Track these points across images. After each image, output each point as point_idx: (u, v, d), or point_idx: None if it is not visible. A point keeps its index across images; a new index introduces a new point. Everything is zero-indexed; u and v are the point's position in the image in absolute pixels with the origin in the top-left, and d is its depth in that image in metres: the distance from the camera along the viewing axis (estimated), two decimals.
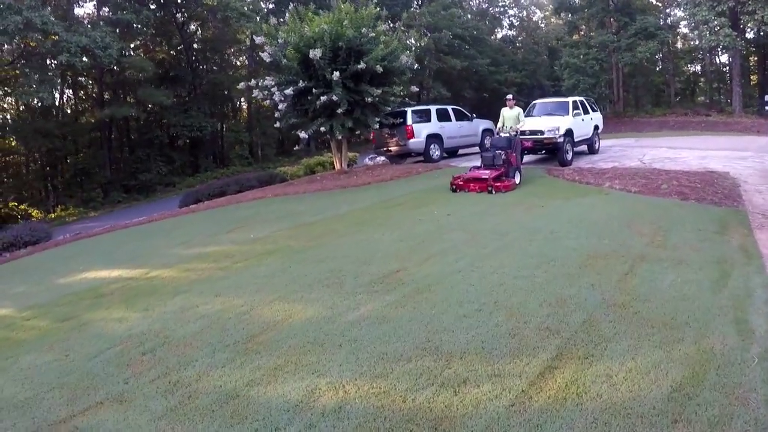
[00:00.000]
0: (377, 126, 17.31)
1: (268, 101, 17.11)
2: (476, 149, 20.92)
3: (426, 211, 10.39)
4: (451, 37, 40.12)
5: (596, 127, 17.94)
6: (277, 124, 17.76)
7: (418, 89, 20.15)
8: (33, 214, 31.35)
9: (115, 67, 31.73)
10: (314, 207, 12.42)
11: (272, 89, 16.09)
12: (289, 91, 15.40)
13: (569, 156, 15.11)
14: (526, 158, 16.01)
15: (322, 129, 16.17)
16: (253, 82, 16.87)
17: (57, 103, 35.64)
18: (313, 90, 15.35)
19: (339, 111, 15.47)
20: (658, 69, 45.19)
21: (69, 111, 37.62)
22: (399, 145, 18.74)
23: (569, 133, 15.06)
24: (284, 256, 8.09)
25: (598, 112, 18.92)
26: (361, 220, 10.23)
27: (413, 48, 29.93)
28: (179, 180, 33.72)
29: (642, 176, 12.15)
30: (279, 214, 11.97)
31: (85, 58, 26.76)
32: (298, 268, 7.27)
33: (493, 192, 11.52)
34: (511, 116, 13.79)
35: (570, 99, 16.83)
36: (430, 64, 39.48)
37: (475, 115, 21.29)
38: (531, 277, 6.13)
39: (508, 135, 13.20)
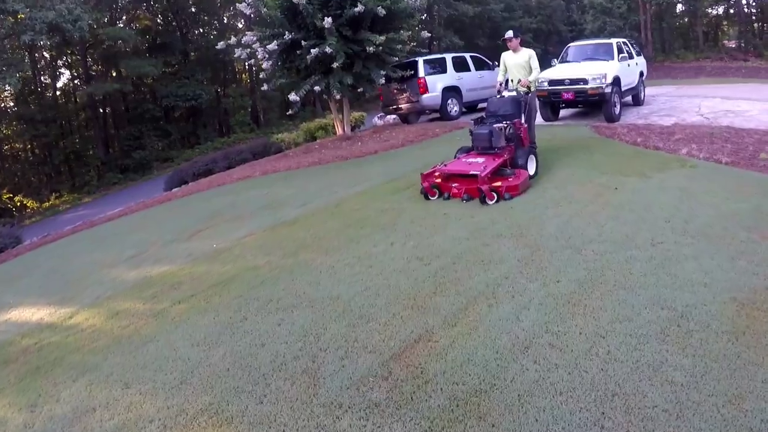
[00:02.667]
0: (383, 81, 14.46)
1: (251, 61, 14.39)
2: None
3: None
4: None
5: (641, 74, 14.94)
6: (264, 87, 15.05)
7: (430, 35, 17.32)
8: (28, 204, 30.18)
9: (90, 40, 29.78)
10: (303, 191, 9.87)
11: (254, 46, 13.40)
12: (272, 45, 12.77)
13: (617, 109, 12.39)
14: (562, 112, 13.29)
15: (317, 88, 13.53)
16: (233, 40, 14.09)
17: (38, 87, 34.02)
18: (303, 42, 12.69)
19: (335, 65, 12.80)
20: (679, 11, 41.22)
21: (51, 93, 35.44)
22: (411, 102, 16.17)
23: (617, 81, 12.25)
24: (242, 291, 5.57)
25: (642, 56, 15.83)
26: (360, 216, 7.52)
27: None
28: (177, 154, 31.69)
29: (721, 138, 9.34)
30: (257, 205, 9.49)
31: (48, 34, 24.37)
32: (253, 326, 4.75)
33: (490, 202, 6.98)
34: (517, 63, 8.93)
35: (613, 40, 14.03)
36: (440, 12, 36.72)
37: (496, 63, 18.48)
38: (661, 366, 3.39)
39: (514, 94, 8.48)
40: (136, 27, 34.85)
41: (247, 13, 14.14)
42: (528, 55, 8.80)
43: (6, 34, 24.89)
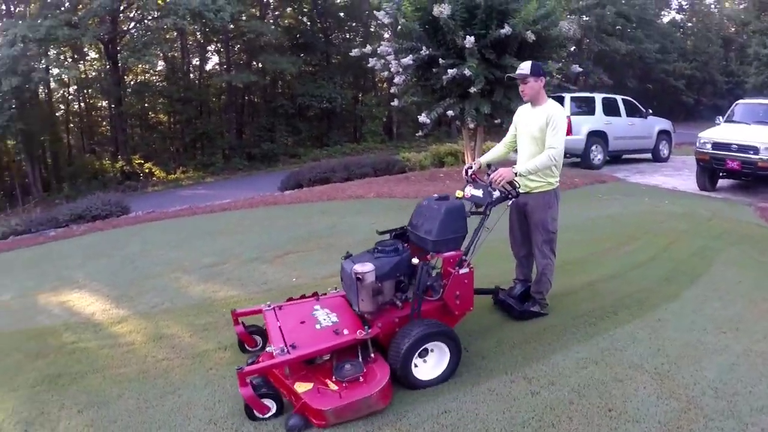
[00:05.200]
0: None
1: (385, 72, 13.73)
2: (647, 156, 16.72)
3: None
4: (615, 15, 34.51)
5: None
6: (395, 102, 14.32)
7: (581, 69, 16.10)
8: (155, 173, 31.29)
9: (233, 31, 31.12)
10: None
11: (388, 57, 12.74)
12: (407, 60, 11.99)
13: None
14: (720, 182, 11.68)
15: (450, 113, 12.55)
16: (368, 48, 13.49)
17: (186, 67, 35.84)
18: (440, 60, 11.81)
19: (473, 90, 11.73)
20: None
21: (196, 75, 37.21)
22: None
23: None
24: None
25: None
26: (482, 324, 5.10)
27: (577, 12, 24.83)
28: (305, 152, 31.88)
29: None
30: (358, 236, 8.50)
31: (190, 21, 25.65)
32: None
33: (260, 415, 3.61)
34: (530, 127, 4.91)
35: None
36: (591, 45, 34.72)
37: (650, 111, 16.89)
38: None
39: (478, 195, 4.64)
40: (280, 24, 35.72)
41: (386, 23, 13.44)
42: (547, 115, 4.72)
43: (152, 17, 26.57)
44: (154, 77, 36.36)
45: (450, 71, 11.53)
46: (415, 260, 4.10)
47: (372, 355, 3.83)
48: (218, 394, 4.01)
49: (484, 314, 4.98)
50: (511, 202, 4.68)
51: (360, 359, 3.79)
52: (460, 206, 4.33)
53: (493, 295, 5.31)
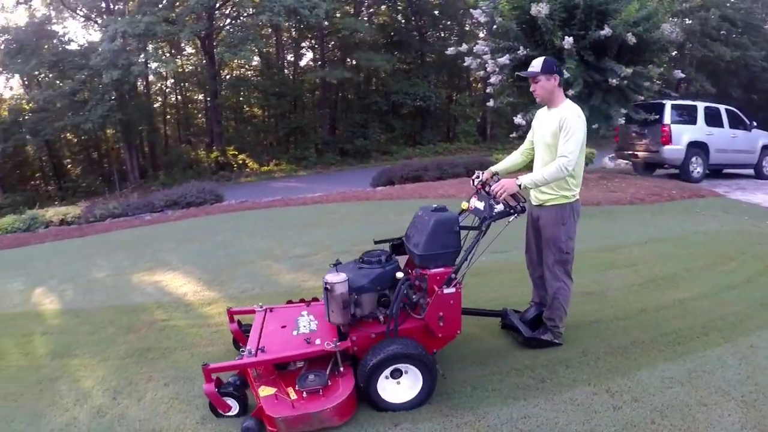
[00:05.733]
0: (622, 120, 12.80)
1: (481, 72, 13.60)
2: (749, 172, 15.79)
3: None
4: (720, 19, 32.36)
5: None
6: (490, 103, 14.15)
7: (683, 75, 15.32)
8: (249, 165, 32.09)
9: (328, 28, 31.80)
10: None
11: (484, 57, 12.61)
12: (504, 59, 11.87)
13: None
14: None
15: None
16: (464, 47, 13.38)
17: (280, 63, 36.83)
18: None
19: (571, 93, 11.33)
20: None
21: (290, 70, 38.19)
22: (649, 151, 14.40)
23: None
24: None
25: None
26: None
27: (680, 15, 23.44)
28: (398, 150, 32.04)
29: None
30: None
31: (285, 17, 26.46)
32: None
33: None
34: (544, 132, 4.34)
35: None
36: (693, 51, 32.80)
37: (755, 124, 15.86)
38: None
39: (479, 208, 4.20)
40: (374, 22, 36.11)
41: (482, 21, 13.30)
42: (560, 118, 4.11)
43: (247, 14, 27.45)
44: (249, 72, 37.67)
45: None
46: (399, 274, 3.82)
47: (341, 369, 3.67)
48: None
49: (570, 321, 4.81)
50: (513, 218, 4.00)
51: (327, 371, 3.62)
52: (452, 219, 3.91)
53: (501, 318, 4.75)
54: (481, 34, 36.47)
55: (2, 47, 27.34)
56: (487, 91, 14.32)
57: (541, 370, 4.10)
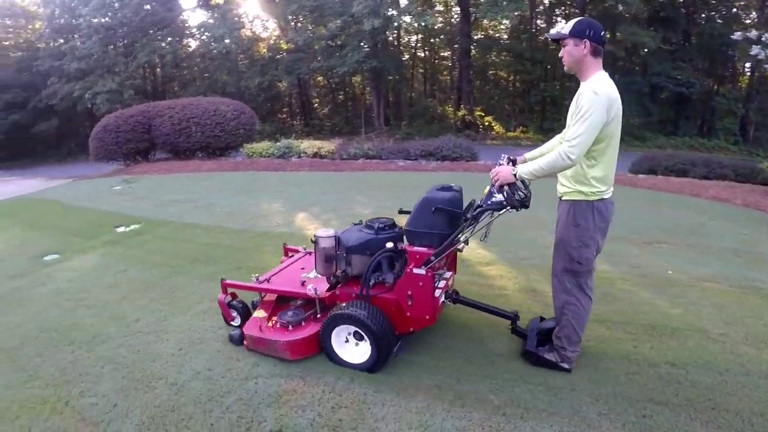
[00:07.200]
0: None
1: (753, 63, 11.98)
2: None
3: None
4: None
5: None
6: None
7: None
8: (494, 128, 32.37)
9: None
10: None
11: None
12: None
13: None
14: None
15: None
16: (753, 33, 11.70)
17: (533, 28, 35.67)
18: None
19: None
20: None
21: (544, 37, 36.59)
22: None
23: None
24: None
25: None
26: None
27: None
28: (651, 136, 29.53)
29: None
30: (720, 246, 7.40)
31: None
32: None
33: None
34: (570, 109, 3.35)
35: None
36: None
37: None
38: None
39: (499, 199, 3.45)
40: None
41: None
42: (578, 94, 3.28)
43: None
44: (497, 34, 37.07)
45: None
46: (389, 244, 3.75)
47: (319, 315, 4.00)
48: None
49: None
50: (503, 212, 3.39)
51: (305, 314, 3.99)
52: (442, 200, 3.61)
53: (511, 321, 4.05)
54: (748, 21, 32.37)
55: None
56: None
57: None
